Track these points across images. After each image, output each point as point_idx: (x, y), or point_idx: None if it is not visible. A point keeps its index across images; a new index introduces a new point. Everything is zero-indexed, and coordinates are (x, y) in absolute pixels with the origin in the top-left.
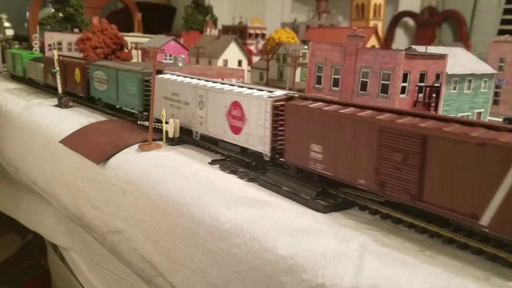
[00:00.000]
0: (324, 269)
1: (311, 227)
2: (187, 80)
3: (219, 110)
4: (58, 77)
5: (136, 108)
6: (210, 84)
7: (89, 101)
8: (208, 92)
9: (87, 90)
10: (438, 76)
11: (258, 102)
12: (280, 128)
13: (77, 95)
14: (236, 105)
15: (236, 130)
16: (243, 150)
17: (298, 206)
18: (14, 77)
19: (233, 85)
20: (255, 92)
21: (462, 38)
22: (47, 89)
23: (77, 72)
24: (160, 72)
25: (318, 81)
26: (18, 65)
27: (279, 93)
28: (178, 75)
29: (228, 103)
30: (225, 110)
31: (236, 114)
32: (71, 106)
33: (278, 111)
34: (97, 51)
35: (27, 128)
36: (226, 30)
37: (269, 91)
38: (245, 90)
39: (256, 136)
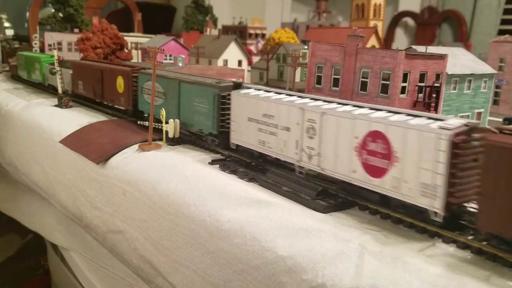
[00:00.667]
0: (324, 269)
1: (311, 227)
2: (288, 98)
3: (344, 141)
4: (58, 77)
5: (206, 130)
6: (326, 104)
7: (135, 116)
8: (325, 116)
9: (133, 103)
10: (438, 76)
11: (423, 135)
12: (460, 175)
13: (117, 108)
14: (377, 136)
15: (376, 171)
16: (385, 199)
17: (298, 206)
18: (28, 82)
19: (361, 106)
20: (412, 119)
21: (462, 38)
22: (79, 100)
23: (120, 80)
24: (238, 85)
25: (318, 81)
26: (36, 70)
27: (454, 122)
28: (268, 90)
29: (360, 133)
30: (354, 142)
31: (375, 149)
32: (71, 106)
33: (460, 150)
34: (97, 51)
35: (27, 128)
36: (226, 30)
37: (435, 119)
38: (391, 116)
39: (416, 184)
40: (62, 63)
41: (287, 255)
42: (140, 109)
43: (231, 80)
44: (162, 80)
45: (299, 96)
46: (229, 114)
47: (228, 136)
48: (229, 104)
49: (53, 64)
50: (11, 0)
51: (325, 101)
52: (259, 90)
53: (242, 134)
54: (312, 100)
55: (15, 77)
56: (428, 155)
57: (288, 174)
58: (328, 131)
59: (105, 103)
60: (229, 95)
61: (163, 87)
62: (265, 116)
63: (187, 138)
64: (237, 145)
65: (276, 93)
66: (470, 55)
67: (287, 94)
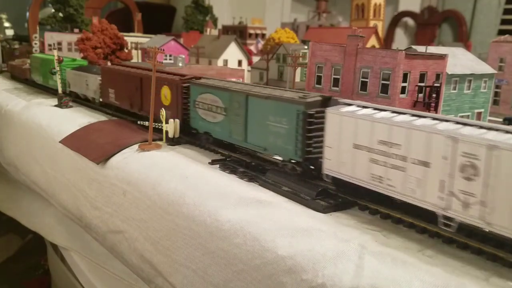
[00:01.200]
0: (324, 269)
1: (311, 227)
2: (418, 120)
3: None
4: (58, 77)
5: (286, 156)
6: (489, 132)
7: (184, 133)
8: (497, 150)
9: (183, 118)
10: (438, 76)
11: None
12: None
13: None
14: None
15: None
16: None
17: (298, 206)
18: (44, 88)
19: None
20: None
21: (462, 38)
22: (108, 110)
23: (166, 91)
24: (327, 100)
25: (318, 81)
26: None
27: None
28: (379, 108)
29: None
30: None
31: None
32: (71, 106)
33: None
34: (97, 51)
35: (27, 128)
36: (226, 30)
37: None
38: None
39: None
40: (89, 68)
41: (287, 255)
42: (193, 126)
43: (317, 93)
44: (223, 93)
45: (435, 118)
46: (317, 137)
47: (315, 164)
48: (318, 124)
49: (76, 68)
50: (11, 0)
51: (481, 127)
52: (365, 107)
53: (343, 165)
54: (461, 125)
55: (14, 78)
56: None
57: (288, 174)
58: (501, 173)
59: (145, 115)
60: (318, 112)
61: (224, 101)
62: (383, 143)
63: (187, 138)
64: (334, 178)
65: (393, 112)
66: (470, 55)
67: (413, 115)
